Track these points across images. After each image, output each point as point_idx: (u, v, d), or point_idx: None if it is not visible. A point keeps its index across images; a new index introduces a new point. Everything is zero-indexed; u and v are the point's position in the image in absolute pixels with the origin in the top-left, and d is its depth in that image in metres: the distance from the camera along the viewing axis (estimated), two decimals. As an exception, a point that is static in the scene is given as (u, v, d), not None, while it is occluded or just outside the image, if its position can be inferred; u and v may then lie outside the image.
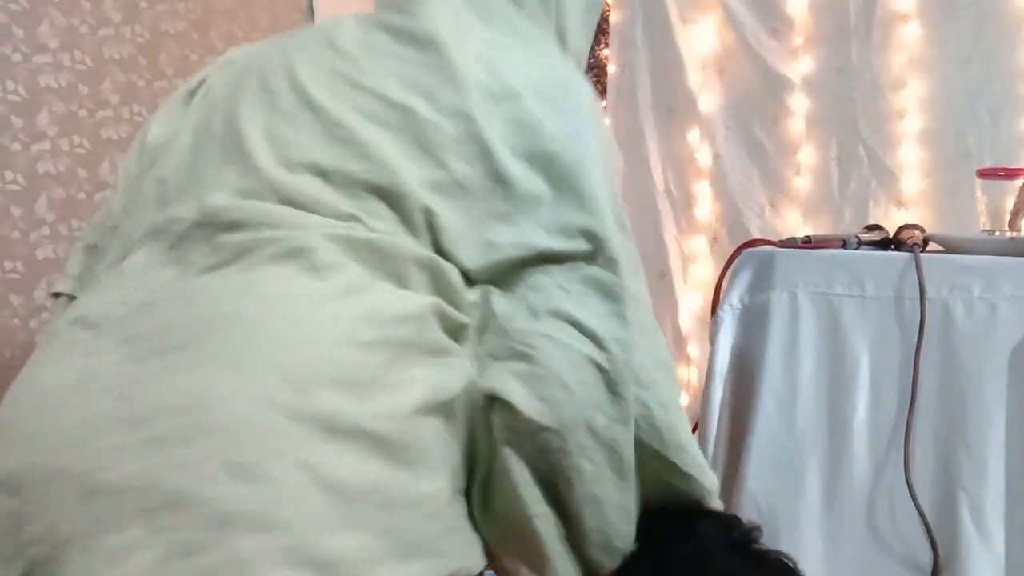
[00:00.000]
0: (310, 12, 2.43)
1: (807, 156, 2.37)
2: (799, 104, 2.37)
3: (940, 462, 1.27)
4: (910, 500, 1.27)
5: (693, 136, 2.53)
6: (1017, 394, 1.23)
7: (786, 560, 0.74)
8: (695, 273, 2.58)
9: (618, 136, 2.74)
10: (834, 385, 1.33)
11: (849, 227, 2.15)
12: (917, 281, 1.26)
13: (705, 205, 2.54)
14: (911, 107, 2.24)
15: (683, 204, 2.59)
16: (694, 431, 1.47)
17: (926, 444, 1.28)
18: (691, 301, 2.56)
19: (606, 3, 2.66)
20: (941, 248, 1.42)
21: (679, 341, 2.62)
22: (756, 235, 2.37)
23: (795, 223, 2.39)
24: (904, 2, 2.23)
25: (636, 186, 2.64)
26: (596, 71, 2.72)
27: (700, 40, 2.50)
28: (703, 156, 2.53)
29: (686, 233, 2.59)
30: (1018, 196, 1.47)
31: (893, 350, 1.29)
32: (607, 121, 2.75)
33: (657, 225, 2.62)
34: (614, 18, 2.66)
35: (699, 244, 2.56)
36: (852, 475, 1.32)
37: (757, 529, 0.75)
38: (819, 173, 2.36)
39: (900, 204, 2.27)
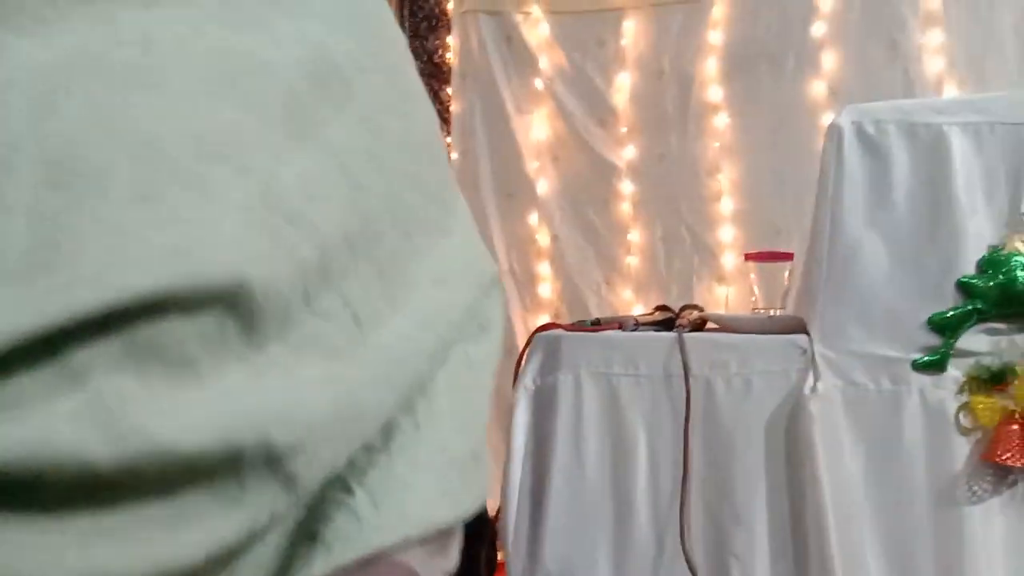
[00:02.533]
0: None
1: (636, 236, 2.51)
2: (626, 188, 2.51)
3: (713, 530, 1.36)
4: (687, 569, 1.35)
5: (533, 219, 2.65)
6: (774, 462, 1.33)
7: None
8: (542, 349, 2.66)
9: (466, 219, 2.84)
10: (616, 460, 1.41)
11: (676, 303, 2.28)
12: (681, 360, 1.36)
13: (547, 284, 2.65)
14: (725, 190, 2.41)
15: (527, 283, 2.69)
16: (498, 512, 1.53)
17: (699, 514, 1.36)
18: (536, 377, 2.63)
19: (447, 93, 2.78)
20: (716, 327, 1.54)
21: (528, 416, 2.69)
22: (594, 312, 2.49)
23: (628, 300, 2.51)
24: (714, 94, 2.42)
25: (483, 267, 2.74)
26: (440, 158, 2.81)
27: (535, 129, 2.64)
28: (543, 237, 2.64)
29: (531, 311, 2.69)
30: (788, 277, 1.61)
31: (666, 424, 1.38)
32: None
33: (504, 304, 2.71)
34: (455, 108, 2.78)
35: (543, 322, 2.65)
36: (637, 546, 1.39)
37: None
38: (647, 252, 2.50)
39: (721, 279, 2.42)
